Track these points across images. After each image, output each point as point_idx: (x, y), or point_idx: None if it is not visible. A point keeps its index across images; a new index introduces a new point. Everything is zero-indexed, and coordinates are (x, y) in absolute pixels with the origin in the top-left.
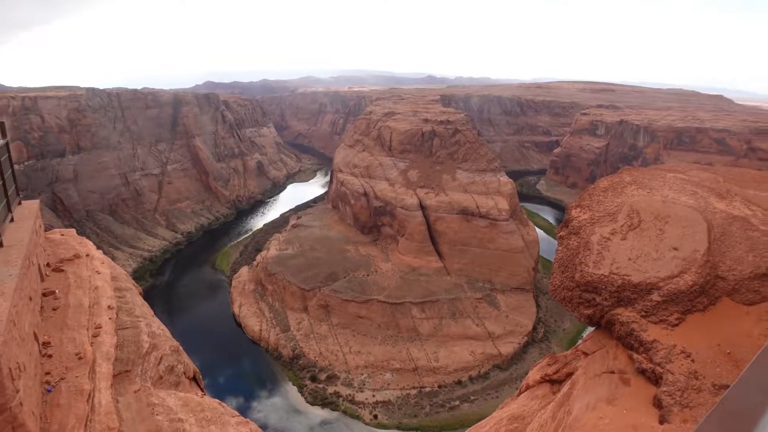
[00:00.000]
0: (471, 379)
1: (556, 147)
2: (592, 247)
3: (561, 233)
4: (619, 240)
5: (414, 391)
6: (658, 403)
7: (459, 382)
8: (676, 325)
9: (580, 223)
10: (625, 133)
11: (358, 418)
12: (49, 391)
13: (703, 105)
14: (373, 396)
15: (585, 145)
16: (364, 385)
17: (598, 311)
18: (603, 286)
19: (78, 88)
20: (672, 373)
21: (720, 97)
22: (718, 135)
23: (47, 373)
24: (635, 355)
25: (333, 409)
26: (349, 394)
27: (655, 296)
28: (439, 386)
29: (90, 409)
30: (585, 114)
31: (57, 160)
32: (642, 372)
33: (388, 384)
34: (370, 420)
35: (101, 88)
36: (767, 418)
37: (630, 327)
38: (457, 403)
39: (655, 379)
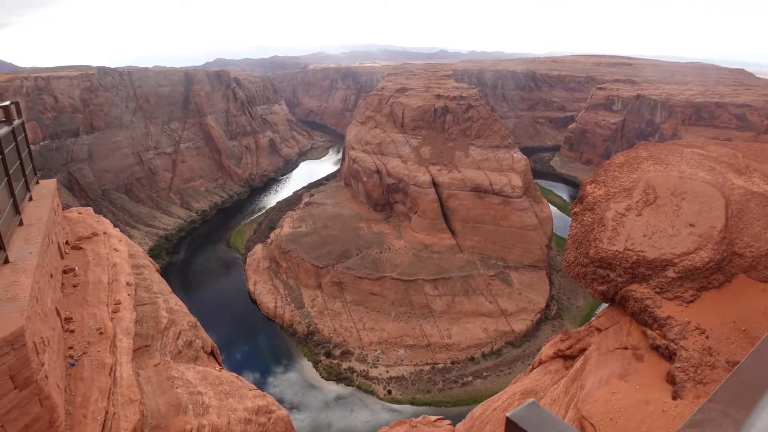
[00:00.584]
0: (484, 355)
1: (571, 123)
2: (606, 223)
3: (575, 209)
4: (635, 216)
5: (427, 367)
6: (671, 379)
7: (472, 359)
8: (691, 301)
9: (594, 199)
10: (642, 109)
11: (372, 393)
12: (72, 364)
13: (723, 79)
14: (387, 372)
15: (600, 120)
16: (377, 361)
17: (612, 287)
18: (617, 263)
19: (89, 67)
20: (686, 350)
21: (741, 71)
22: (738, 110)
23: (70, 348)
24: (649, 332)
25: (347, 385)
26: (363, 370)
27: (670, 273)
28: (452, 362)
29: (112, 382)
30: (601, 89)
31: (71, 140)
32: (655, 348)
33: (402, 360)
34: (384, 395)
35: (112, 67)
36: None
37: (644, 303)
38: (470, 379)
39: (669, 356)
